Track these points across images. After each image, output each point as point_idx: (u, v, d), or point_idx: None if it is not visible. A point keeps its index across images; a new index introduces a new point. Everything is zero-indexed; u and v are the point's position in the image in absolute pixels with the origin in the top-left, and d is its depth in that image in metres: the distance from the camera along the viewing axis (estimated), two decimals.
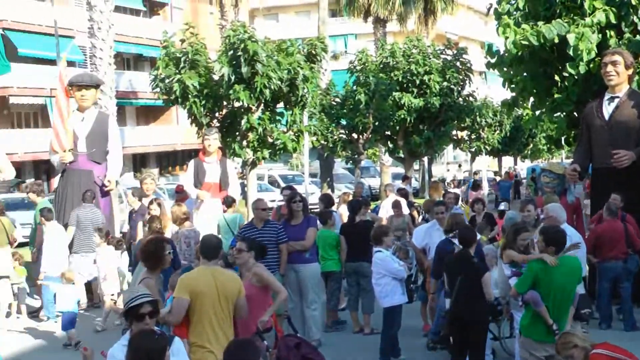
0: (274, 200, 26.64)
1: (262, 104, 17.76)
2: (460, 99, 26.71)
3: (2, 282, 12.37)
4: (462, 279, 7.98)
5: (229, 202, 12.47)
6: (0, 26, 38.08)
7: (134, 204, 12.63)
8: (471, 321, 7.99)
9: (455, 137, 36.48)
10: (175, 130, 50.22)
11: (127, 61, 47.58)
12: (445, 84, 25.49)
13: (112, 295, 11.90)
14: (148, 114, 49.91)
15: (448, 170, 47.75)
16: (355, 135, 26.34)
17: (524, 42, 13.49)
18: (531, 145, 48.47)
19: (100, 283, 12.02)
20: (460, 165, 55.82)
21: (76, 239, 12.77)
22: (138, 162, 47.23)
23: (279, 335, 7.74)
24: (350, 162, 28.68)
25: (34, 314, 12.72)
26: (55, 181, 15.02)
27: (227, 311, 6.76)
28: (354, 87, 25.40)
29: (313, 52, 18.73)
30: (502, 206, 21.23)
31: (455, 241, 8.98)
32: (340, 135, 26.87)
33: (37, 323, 12.17)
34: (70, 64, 30.28)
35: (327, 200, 13.35)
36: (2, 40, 42.57)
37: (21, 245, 14.42)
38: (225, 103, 17.88)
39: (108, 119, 14.44)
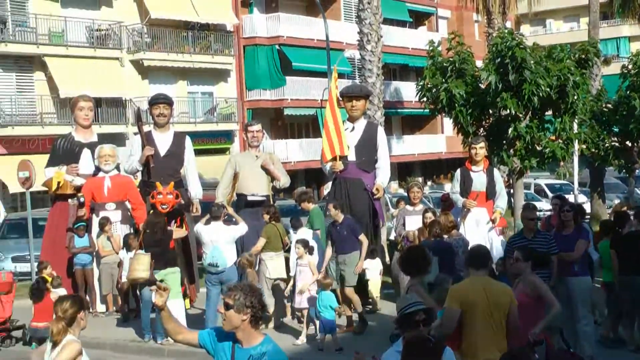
0: (540, 210, 25.95)
1: (530, 112, 17.33)
2: None
3: (277, 284, 12.99)
4: None
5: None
6: (277, 42, 40.29)
7: (337, 216, 12.71)
8: None
9: None
10: (440, 139, 50.44)
11: (393, 71, 48.51)
12: None
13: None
14: (413, 123, 50.52)
15: None
16: (629, 143, 24.97)
17: None
18: None
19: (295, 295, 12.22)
20: None
21: None
22: (403, 171, 47.92)
23: (550, 349, 7.50)
24: (623, 171, 27.24)
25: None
26: (325, 189, 15.55)
27: (500, 322, 6.63)
28: (628, 92, 24.09)
29: (584, 57, 17.99)
30: None
31: None
32: (613, 143, 25.59)
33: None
34: (340, 75, 31.37)
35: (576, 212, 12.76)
36: (278, 56, 45.02)
37: None
38: (491, 111, 17.65)
39: (377, 129, 14.71)
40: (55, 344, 6.07)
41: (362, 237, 12.34)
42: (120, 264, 13.41)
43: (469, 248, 8.99)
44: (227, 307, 5.08)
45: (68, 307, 6.13)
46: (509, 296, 6.79)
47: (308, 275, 12.02)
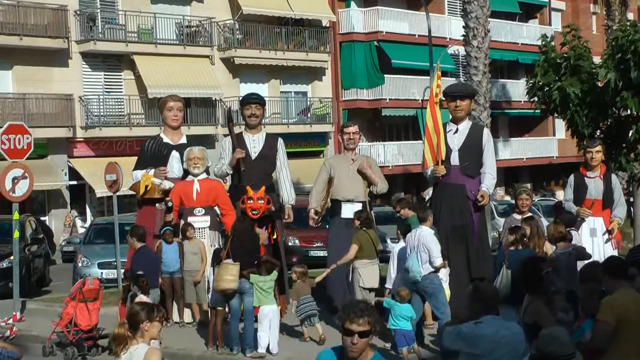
0: None
1: None
2: None
3: (371, 295, 12.95)
4: None
5: None
6: (376, 38, 40.29)
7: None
8: None
9: None
10: (551, 142, 49.59)
11: (500, 69, 47.94)
12: None
13: None
14: (522, 125, 49.82)
15: None
16: None
17: None
18: None
19: None
20: None
21: None
22: (510, 177, 47.26)
23: None
24: None
25: None
26: (425, 194, 15.40)
27: None
28: None
29: None
30: None
31: None
32: None
33: None
34: (443, 73, 31.17)
35: None
36: (376, 53, 44.98)
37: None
38: (610, 112, 17.23)
39: (482, 131, 14.49)
40: (116, 352, 6.09)
41: None
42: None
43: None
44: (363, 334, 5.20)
45: (133, 314, 6.18)
46: None
47: None
